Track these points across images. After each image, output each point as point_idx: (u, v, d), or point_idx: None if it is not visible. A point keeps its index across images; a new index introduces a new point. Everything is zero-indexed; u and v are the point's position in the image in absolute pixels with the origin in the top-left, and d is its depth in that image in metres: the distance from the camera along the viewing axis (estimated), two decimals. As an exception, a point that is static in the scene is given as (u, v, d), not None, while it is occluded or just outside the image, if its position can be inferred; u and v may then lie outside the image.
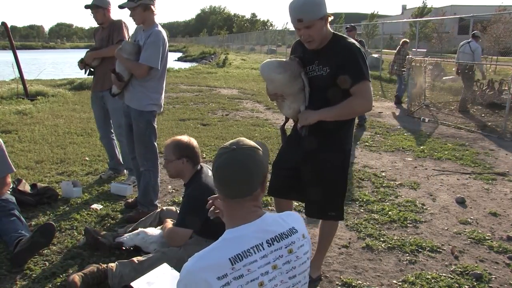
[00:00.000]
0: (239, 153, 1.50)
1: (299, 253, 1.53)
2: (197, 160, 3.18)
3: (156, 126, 3.99)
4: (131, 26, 4.63)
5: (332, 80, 2.62)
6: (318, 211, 2.93)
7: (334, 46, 2.64)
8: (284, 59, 2.76)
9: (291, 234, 1.53)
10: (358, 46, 2.66)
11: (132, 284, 2.48)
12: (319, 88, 2.70)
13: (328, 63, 2.63)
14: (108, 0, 4.59)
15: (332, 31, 2.69)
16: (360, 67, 2.59)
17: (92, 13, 4.55)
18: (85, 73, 4.79)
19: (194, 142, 3.20)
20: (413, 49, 18.97)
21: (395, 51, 11.75)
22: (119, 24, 4.60)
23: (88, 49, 4.77)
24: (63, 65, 31.87)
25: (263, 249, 1.46)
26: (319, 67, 2.68)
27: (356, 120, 7.31)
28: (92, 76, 4.83)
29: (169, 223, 3.23)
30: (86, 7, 4.55)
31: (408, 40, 13.06)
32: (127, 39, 4.47)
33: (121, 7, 3.71)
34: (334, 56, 2.61)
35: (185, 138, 3.20)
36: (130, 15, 3.70)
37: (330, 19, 2.60)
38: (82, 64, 4.67)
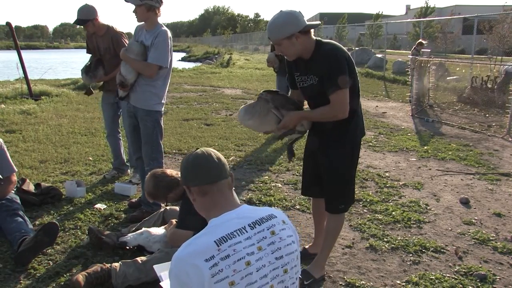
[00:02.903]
0: (201, 149, 1.72)
1: (282, 235, 1.61)
2: (177, 179, 3.22)
3: (163, 125, 4.00)
4: (131, 25, 4.60)
5: (323, 87, 2.74)
6: (331, 204, 3.03)
7: (317, 54, 2.76)
8: (252, 101, 2.93)
9: (270, 219, 1.62)
10: (338, 49, 2.74)
11: (154, 266, 2.44)
12: (315, 96, 2.84)
13: (316, 72, 2.77)
14: (94, 8, 4.46)
15: (315, 38, 2.78)
16: (335, 76, 2.66)
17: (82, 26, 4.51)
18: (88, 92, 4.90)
19: (159, 175, 3.25)
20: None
21: (398, 51, 11.80)
22: (118, 37, 4.52)
23: (94, 57, 4.71)
24: (72, 64, 32.03)
25: (246, 231, 1.54)
26: (311, 77, 2.81)
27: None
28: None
29: (173, 224, 3.22)
30: (74, 23, 4.53)
31: (423, 42, 13.08)
32: None
33: (126, 0, 3.70)
34: (319, 64, 2.74)
35: (150, 181, 3.24)
36: (133, 11, 3.71)
37: (313, 33, 2.74)
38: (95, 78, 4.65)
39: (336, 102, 2.70)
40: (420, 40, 13.36)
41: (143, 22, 3.81)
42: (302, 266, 2.86)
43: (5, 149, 3.68)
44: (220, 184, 1.65)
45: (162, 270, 2.34)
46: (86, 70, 4.61)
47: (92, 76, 4.58)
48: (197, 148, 1.73)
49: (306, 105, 3.03)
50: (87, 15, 4.44)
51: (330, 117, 2.78)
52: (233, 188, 1.74)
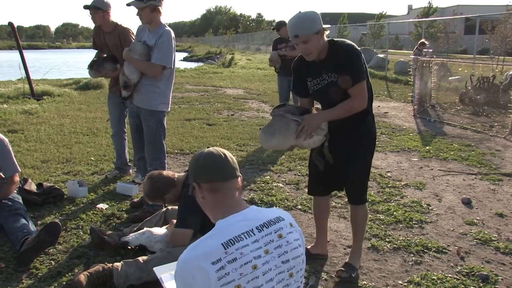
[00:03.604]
0: (213, 147, 1.72)
1: (289, 239, 1.60)
2: (173, 179, 3.23)
3: (165, 125, 4.00)
4: (133, 24, 4.61)
5: None
6: (357, 197, 3.12)
7: (333, 51, 2.81)
8: (266, 123, 2.91)
9: (278, 221, 1.62)
10: (354, 45, 2.81)
11: (154, 268, 2.44)
12: (334, 93, 2.86)
13: (334, 69, 2.81)
14: (109, 3, 4.49)
15: (326, 39, 2.82)
16: (356, 69, 2.75)
17: (90, 14, 4.46)
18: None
19: (155, 176, 3.25)
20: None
21: (400, 51, 11.78)
22: (125, 33, 4.51)
23: (102, 55, 4.72)
24: (75, 64, 32.10)
25: (254, 234, 1.53)
26: (328, 75, 2.85)
27: None
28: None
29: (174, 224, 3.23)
30: (85, 7, 4.47)
31: (425, 42, 13.04)
32: None
33: (128, 4, 3.71)
34: (336, 61, 2.79)
35: (147, 183, 3.24)
36: (137, 14, 3.71)
37: (327, 32, 2.79)
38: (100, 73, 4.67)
39: (358, 94, 2.79)
40: (422, 40, 13.33)
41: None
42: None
43: (10, 148, 3.68)
44: (231, 182, 1.65)
45: (162, 272, 2.33)
46: (91, 65, 4.63)
47: (96, 70, 4.58)
48: (208, 147, 1.71)
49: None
50: (102, 5, 4.43)
51: (351, 110, 2.84)
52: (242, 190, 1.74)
